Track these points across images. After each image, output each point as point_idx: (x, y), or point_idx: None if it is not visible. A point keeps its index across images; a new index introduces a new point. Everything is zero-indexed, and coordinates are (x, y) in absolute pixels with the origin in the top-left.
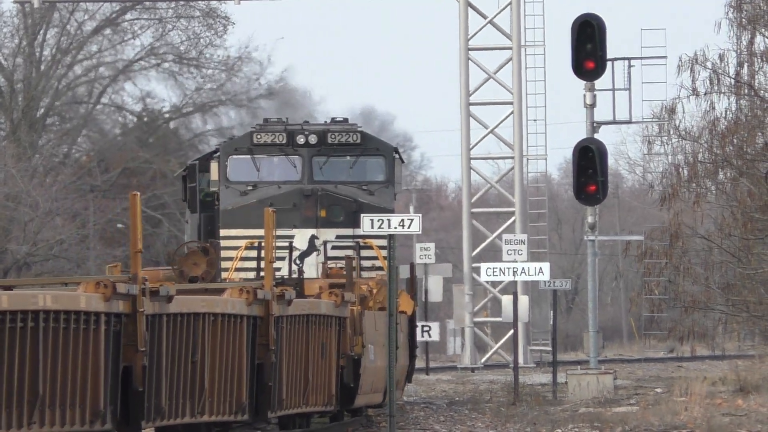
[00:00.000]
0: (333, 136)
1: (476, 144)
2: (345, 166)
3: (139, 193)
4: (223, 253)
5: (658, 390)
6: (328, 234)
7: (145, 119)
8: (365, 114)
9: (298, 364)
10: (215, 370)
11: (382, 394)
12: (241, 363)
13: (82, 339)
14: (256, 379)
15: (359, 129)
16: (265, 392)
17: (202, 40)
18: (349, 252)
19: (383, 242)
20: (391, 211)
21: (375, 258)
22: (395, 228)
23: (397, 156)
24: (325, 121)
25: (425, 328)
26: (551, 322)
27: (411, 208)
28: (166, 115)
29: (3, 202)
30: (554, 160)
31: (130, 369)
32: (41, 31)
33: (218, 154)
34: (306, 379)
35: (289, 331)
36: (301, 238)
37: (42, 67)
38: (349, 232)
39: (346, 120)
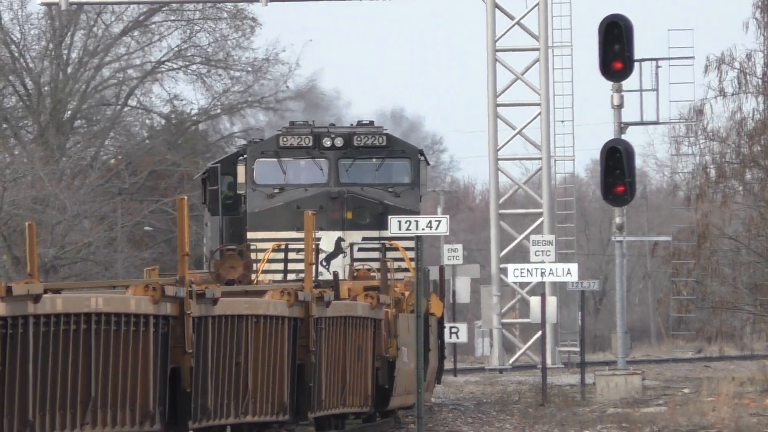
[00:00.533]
0: (359, 139)
1: (504, 145)
2: (371, 168)
3: (186, 197)
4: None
5: (686, 390)
6: (355, 236)
7: (173, 121)
8: (395, 116)
9: (336, 366)
10: (258, 371)
11: (415, 396)
12: (283, 364)
13: (132, 341)
14: (296, 379)
15: (385, 131)
16: (305, 393)
17: (229, 41)
18: (375, 254)
19: (409, 244)
20: (417, 213)
21: (401, 260)
22: (423, 229)
23: (422, 158)
24: (351, 124)
25: (453, 330)
26: (579, 323)
27: (439, 210)
28: (194, 117)
29: (31, 205)
30: (582, 160)
31: (178, 370)
32: (68, 34)
33: (244, 156)
34: (343, 381)
35: (327, 332)
36: (327, 240)
37: (69, 70)
38: (375, 234)
39: (371, 123)
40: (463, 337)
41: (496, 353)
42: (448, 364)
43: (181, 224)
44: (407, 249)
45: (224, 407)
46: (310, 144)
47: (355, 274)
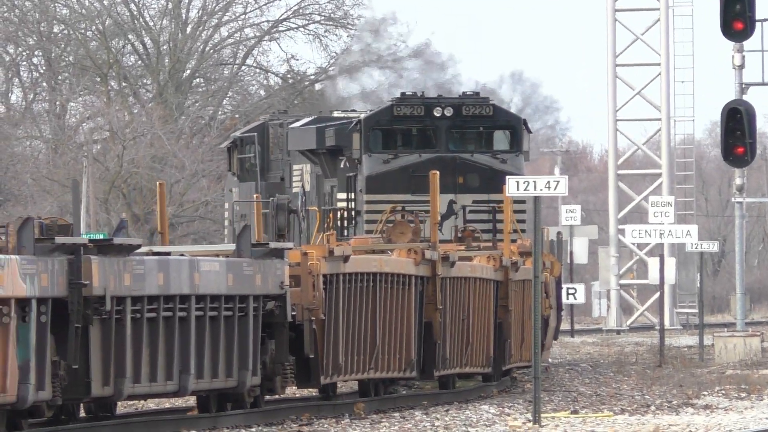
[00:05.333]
0: (467, 109)
1: (623, 106)
2: (478, 136)
3: (437, 172)
4: (367, 216)
5: None
6: (466, 199)
7: (290, 81)
8: (514, 78)
9: (518, 324)
10: (475, 328)
11: (548, 351)
12: (490, 321)
13: (400, 297)
14: (497, 336)
15: (491, 102)
16: (502, 349)
17: (347, 0)
18: (484, 215)
19: (517, 206)
20: None
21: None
22: (541, 190)
23: (524, 127)
24: (459, 95)
25: (571, 291)
26: (698, 285)
27: (556, 170)
28: (312, 77)
29: (150, 164)
30: (701, 122)
31: (430, 324)
32: None
33: (357, 125)
34: (522, 338)
35: (515, 293)
36: (441, 202)
37: (188, 29)
38: (484, 197)
39: (477, 94)
40: (580, 298)
41: (613, 314)
42: (565, 325)
43: (434, 196)
44: (515, 212)
45: (456, 359)
46: (422, 113)
47: (460, 234)
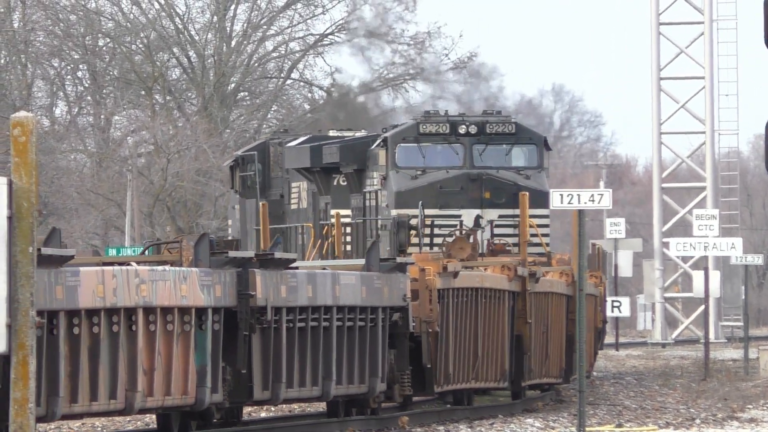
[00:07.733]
0: (491, 126)
1: (667, 119)
2: (502, 153)
3: (527, 193)
4: None
5: None
6: (492, 214)
7: (334, 95)
8: (555, 91)
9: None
10: (552, 340)
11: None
12: (562, 334)
13: (496, 311)
14: (566, 349)
15: (514, 120)
16: (569, 360)
17: (391, 14)
18: (510, 230)
19: (541, 221)
20: (547, 194)
21: (534, 235)
22: (585, 203)
23: (545, 145)
24: (482, 113)
25: (615, 304)
26: (743, 298)
27: (601, 183)
28: (356, 91)
29: (194, 177)
30: (743, 135)
31: (520, 337)
32: (232, 6)
33: (382, 143)
34: (594, 352)
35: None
36: (467, 217)
37: (233, 43)
38: (509, 212)
39: (499, 112)
40: (625, 312)
41: (658, 327)
42: (610, 338)
43: (523, 215)
44: (540, 226)
45: (537, 370)
46: (447, 131)
47: (492, 248)
